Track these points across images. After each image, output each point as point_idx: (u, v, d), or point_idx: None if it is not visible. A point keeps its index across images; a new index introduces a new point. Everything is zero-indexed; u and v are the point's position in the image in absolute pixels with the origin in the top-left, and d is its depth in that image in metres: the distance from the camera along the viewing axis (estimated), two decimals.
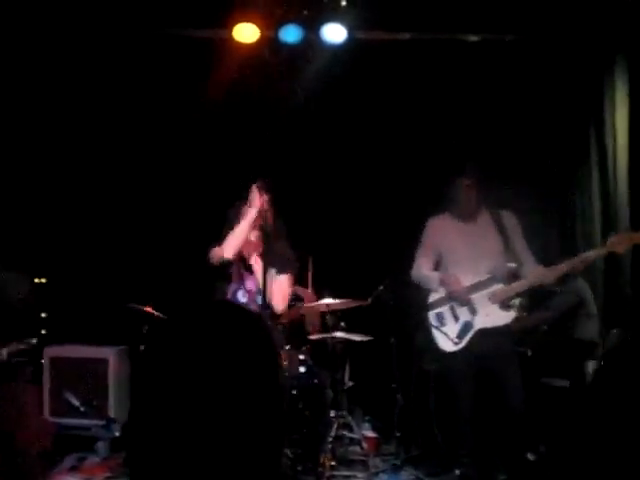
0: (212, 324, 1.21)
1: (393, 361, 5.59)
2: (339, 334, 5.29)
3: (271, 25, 5.77)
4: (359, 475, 5.07)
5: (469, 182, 4.81)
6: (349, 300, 5.20)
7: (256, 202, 4.60)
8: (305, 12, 5.73)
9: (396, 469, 5.31)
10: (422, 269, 4.91)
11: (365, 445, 5.26)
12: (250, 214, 4.58)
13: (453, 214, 4.92)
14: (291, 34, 5.79)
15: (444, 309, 4.86)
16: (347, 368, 5.69)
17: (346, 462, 5.19)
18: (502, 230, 4.81)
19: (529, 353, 5.50)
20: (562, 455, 4.47)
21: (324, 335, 5.41)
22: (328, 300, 5.14)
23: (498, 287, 4.73)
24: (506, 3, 5.78)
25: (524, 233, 4.88)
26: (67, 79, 6.29)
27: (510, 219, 4.87)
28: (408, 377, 5.69)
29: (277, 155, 6.47)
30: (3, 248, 5.87)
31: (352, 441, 5.29)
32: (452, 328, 4.80)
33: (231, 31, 5.75)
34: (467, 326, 4.75)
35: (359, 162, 6.63)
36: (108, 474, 5.14)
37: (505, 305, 4.75)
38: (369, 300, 5.44)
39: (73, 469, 5.25)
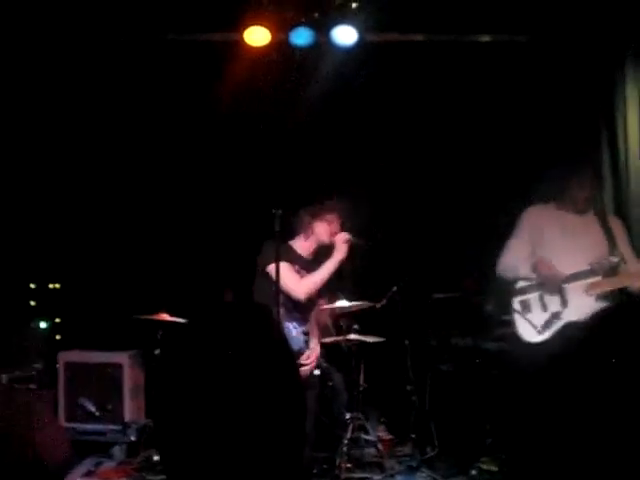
0: (228, 327, 1.21)
1: (408, 363, 5.58)
2: (353, 336, 5.29)
3: (282, 28, 5.76)
4: (375, 477, 5.07)
5: (586, 182, 4.67)
6: (363, 302, 5.19)
7: (339, 242, 4.41)
8: (316, 15, 5.71)
9: (412, 471, 5.30)
10: (513, 257, 4.59)
11: (380, 447, 5.27)
12: (335, 259, 4.37)
13: (560, 206, 4.66)
14: (302, 37, 5.78)
15: (531, 296, 4.54)
16: (362, 370, 5.67)
17: (362, 464, 5.20)
18: (607, 230, 4.56)
19: None
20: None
21: (338, 337, 5.41)
22: (342, 302, 5.14)
23: (596, 279, 4.44)
24: (517, 3, 5.77)
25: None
26: (77, 84, 6.30)
27: (617, 222, 4.69)
28: (423, 378, 5.69)
29: (288, 158, 6.48)
30: (18, 254, 5.90)
31: (368, 443, 5.29)
32: (538, 317, 4.50)
33: (242, 34, 5.75)
34: (555, 317, 4.46)
35: (369, 164, 6.62)
36: (124, 478, 5.15)
37: (600, 299, 4.41)
38: (383, 302, 5.44)
39: (89, 474, 5.25)
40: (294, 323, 4.35)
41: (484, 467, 5.10)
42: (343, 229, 4.51)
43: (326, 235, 4.47)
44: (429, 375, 5.73)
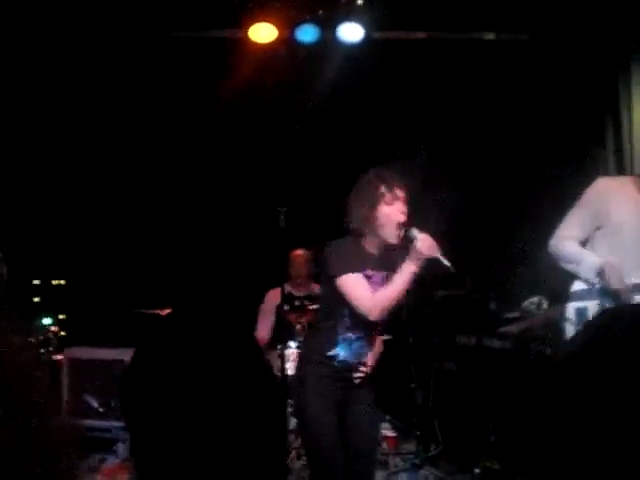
0: (201, 328, 1.21)
1: (412, 360, 5.58)
2: None
3: (288, 25, 5.77)
4: (379, 474, 5.07)
5: None
6: None
7: (424, 248, 3.24)
8: (321, 12, 5.73)
9: (416, 468, 5.30)
10: (569, 243, 3.74)
11: (385, 444, 5.27)
12: (409, 270, 3.26)
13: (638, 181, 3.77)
14: (308, 34, 5.79)
15: (590, 304, 3.74)
16: None
17: None
18: None
19: (547, 351, 5.49)
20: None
21: None
22: None
23: None
24: (522, 2, 5.77)
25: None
26: (83, 81, 6.30)
27: None
28: (427, 376, 5.69)
29: (293, 156, 6.48)
30: (21, 250, 5.90)
31: None
32: None
33: (247, 31, 5.76)
34: None
35: (374, 161, 6.61)
36: (128, 475, 5.15)
37: None
38: None
39: (93, 470, 5.25)
40: (354, 333, 3.48)
41: (487, 465, 5.11)
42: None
43: (395, 224, 3.34)
44: (433, 373, 5.73)
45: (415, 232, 3.27)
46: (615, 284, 3.60)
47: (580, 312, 3.75)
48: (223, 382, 1.14)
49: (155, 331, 1.26)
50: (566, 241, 3.74)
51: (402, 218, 3.31)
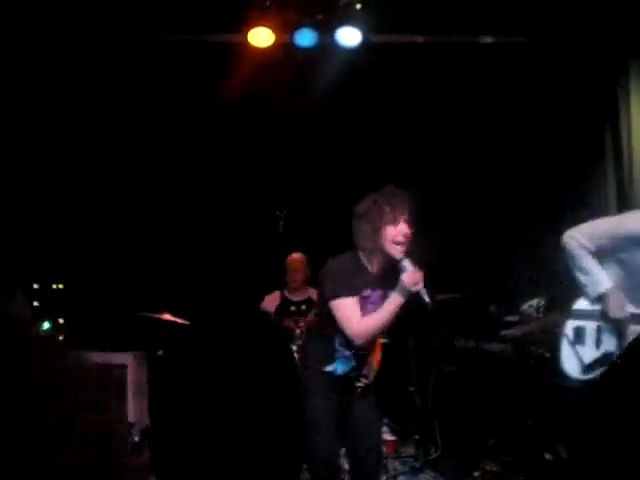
0: (230, 331, 1.21)
1: (411, 363, 5.58)
2: None
3: (286, 29, 5.78)
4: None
5: None
6: None
7: (408, 280, 3.33)
8: (320, 16, 5.74)
9: (415, 472, 5.29)
10: (588, 253, 3.67)
11: (384, 448, 5.26)
12: (396, 300, 3.37)
13: None
14: (306, 38, 5.80)
15: (588, 324, 3.75)
16: None
17: None
18: None
19: (546, 354, 5.49)
20: (579, 455, 4.43)
21: None
22: None
23: None
24: (519, 5, 5.78)
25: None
26: (81, 84, 6.31)
27: None
28: (426, 380, 5.68)
29: (292, 160, 6.48)
30: (21, 254, 5.90)
31: None
32: (588, 353, 3.74)
33: (246, 35, 5.76)
34: (606, 358, 3.65)
35: (373, 166, 6.62)
36: None
37: None
38: None
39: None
40: (350, 349, 3.53)
41: (487, 468, 5.10)
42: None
43: (396, 244, 3.42)
44: (432, 376, 5.72)
45: (406, 263, 3.37)
46: (614, 313, 3.62)
47: (578, 331, 3.77)
48: (256, 391, 1.15)
49: (179, 342, 1.27)
50: (585, 250, 3.67)
51: (402, 240, 3.38)
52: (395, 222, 3.39)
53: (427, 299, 3.36)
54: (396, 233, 3.38)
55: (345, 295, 3.39)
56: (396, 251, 3.38)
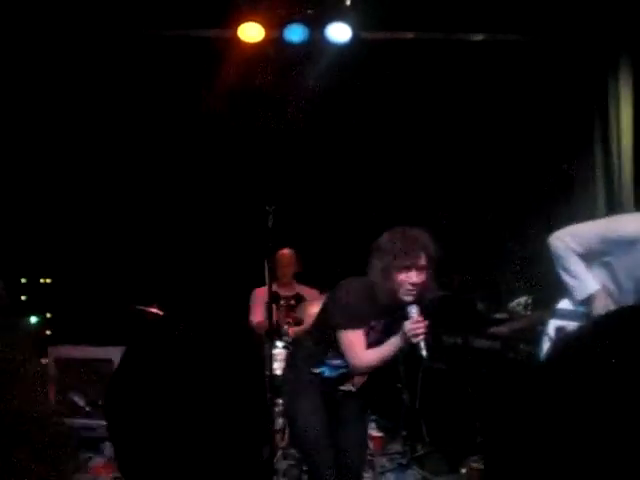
0: (197, 328, 1.20)
1: (399, 360, 5.58)
2: None
3: (276, 25, 5.77)
4: (365, 474, 5.04)
5: None
6: None
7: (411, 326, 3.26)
8: (310, 11, 5.73)
9: (402, 468, 5.30)
10: (576, 256, 3.63)
11: (371, 444, 5.26)
12: (396, 343, 3.33)
13: None
14: (296, 33, 5.80)
15: (570, 325, 3.72)
16: None
17: None
18: None
19: (535, 351, 5.50)
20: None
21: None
22: None
23: None
24: (510, 2, 5.78)
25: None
26: (68, 81, 6.29)
27: None
28: (414, 376, 5.69)
29: (281, 155, 6.47)
30: (8, 248, 5.88)
31: None
32: None
33: (236, 31, 5.75)
34: None
35: (363, 162, 6.63)
36: (114, 474, 5.13)
37: None
38: None
39: (79, 469, 5.23)
40: (342, 360, 3.57)
41: (474, 465, 5.11)
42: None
43: (406, 290, 3.33)
44: (420, 373, 5.73)
45: (413, 310, 3.28)
46: (600, 313, 3.40)
47: (559, 330, 3.74)
48: (218, 386, 1.14)
49: (145, 333, 1.26)
50: (573, 252, 3.62)
51: (411, 288, 3.28)
52: (408, 268, 3.28)
53: (424, 353, 3.30)
54: (405, 279, 3.28)
55: (354, 327, 3.40)
56: (404, 296, 3.31)
